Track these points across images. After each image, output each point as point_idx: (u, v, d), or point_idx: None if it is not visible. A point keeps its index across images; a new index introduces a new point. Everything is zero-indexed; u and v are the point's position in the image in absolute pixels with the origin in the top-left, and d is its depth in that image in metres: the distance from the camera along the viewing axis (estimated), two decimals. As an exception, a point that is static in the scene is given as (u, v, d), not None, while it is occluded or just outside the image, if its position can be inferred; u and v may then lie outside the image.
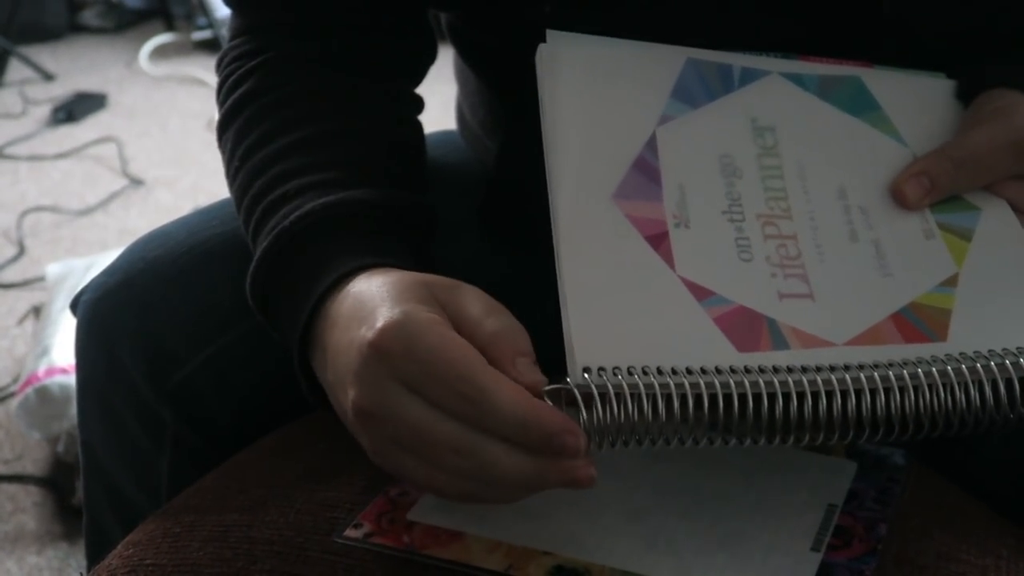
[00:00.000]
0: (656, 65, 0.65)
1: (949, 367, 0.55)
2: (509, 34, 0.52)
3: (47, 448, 1.62)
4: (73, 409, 0.82)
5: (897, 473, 0.63)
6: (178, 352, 0.74)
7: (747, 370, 0.54)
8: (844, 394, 0.54)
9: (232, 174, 0.71)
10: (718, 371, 0.54)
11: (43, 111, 2.89)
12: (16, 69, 3.08)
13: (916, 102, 0.68)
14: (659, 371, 0.54)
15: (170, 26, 3.44)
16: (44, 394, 1.53)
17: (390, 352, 0.53)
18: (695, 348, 0.55)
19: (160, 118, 2.86)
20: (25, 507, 1.54)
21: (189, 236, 0.76)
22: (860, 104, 0.66)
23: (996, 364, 0.55)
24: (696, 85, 0.65)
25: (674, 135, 0.63)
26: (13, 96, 2.98)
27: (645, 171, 0.61)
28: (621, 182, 0.61)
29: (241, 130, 0.71)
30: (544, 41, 0.63)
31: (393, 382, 0.53)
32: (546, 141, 0.60)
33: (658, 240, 0.59)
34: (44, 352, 1.59)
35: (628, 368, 0.54)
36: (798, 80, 0.66)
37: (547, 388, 0.54)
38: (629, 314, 0.56)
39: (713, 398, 0.53)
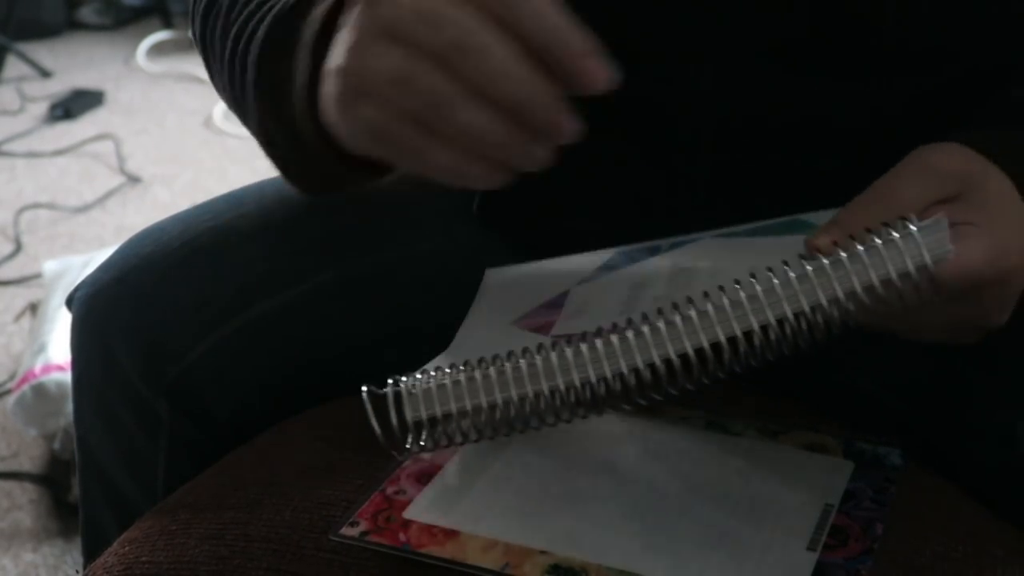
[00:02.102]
0: (586, 257, 0.68)
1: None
2: None
3: (43, 445, 1.61)
4: (69, 406, 0.82)
5: (894, 473, 0.63)
6: (174, 347, 0.74)
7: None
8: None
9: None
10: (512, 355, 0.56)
11: (40, 108, 2.89)
12: (13, 66, 3.07)
13: None
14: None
15: (168, 23, 3.43)
16: (40, 391, 1.53)
17: None
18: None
19: (158, 115, 2.86)
20: (21, 504, 1.54)
21: (184, 231, 0.76)
22: (791, 229, 0.63)
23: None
24: (622, 260, 0.67)
25: (583, 289, 0.66)
26: (10, 93, 2.97)
27: (550, 307, 0.65)
28: (525, 312, 0.65)
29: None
30: None
31: None
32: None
33: (542, 329, 0.62)
34: (41, 349, 1.59)
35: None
36: (727, 235, 0.66)
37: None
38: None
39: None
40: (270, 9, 0.65)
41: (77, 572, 0.94)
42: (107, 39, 3.46)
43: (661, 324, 0.54)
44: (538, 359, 0.55)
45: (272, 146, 0.68)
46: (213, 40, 0.70)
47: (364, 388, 0.57)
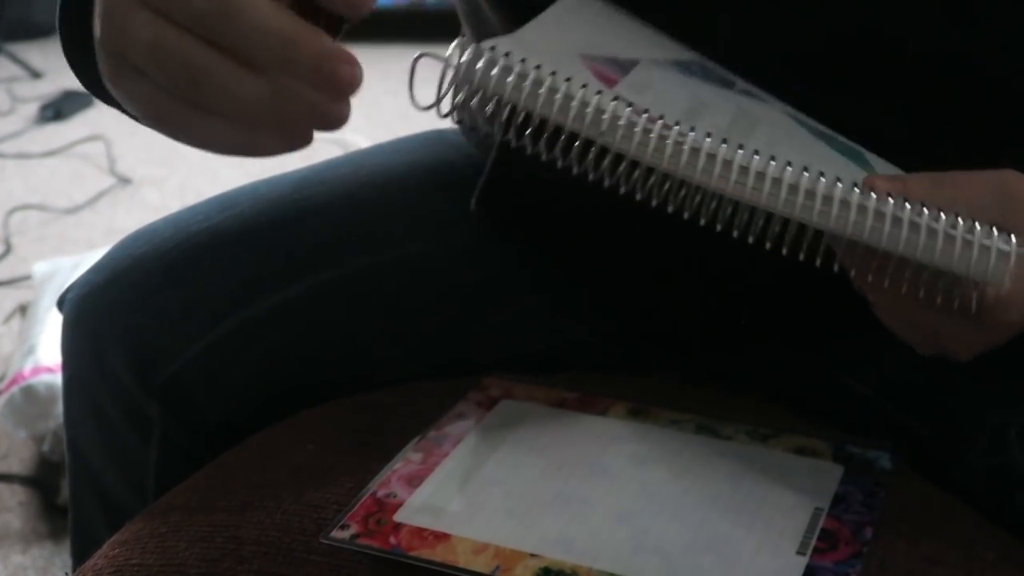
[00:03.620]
0: (672, 41, 0.64)
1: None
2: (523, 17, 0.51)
3: (33, 447, 1.61)
4: (59, 408, 0.82)
5: (884, 477, 0.63)
6: (165, 349, 0.73)
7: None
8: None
9: None
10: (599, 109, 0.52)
11: (31, 109, 2.89)
12: (4, 67, 3.07)
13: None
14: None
15: (159, 25, 3.43)
16: (30, 393, 1.52)
17: None
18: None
19: (149, 117, 2.86)
20: (10, 506, 1.54)
21: (176, 233, 0.76)
22: (849, 154, 0.62)
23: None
24: (698, 70, 0.63)
25: (654, 71, 0.61)
26: (1, 94, 2.97)
27: (617, 64, 0.59)
28: (593, 55, 0.59)
29: None
30: None
31: None
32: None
33: (606, 81, 0.56)
34: (30, 351, 1.59)
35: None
36: (796, 118, 0.63)
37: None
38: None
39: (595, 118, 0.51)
40: None
41: (67, 575, 0.94)
42: (98, 40, 3.45)
43: (720, 152, 0.52)
44: (624, 113, 0.51)
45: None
46: None
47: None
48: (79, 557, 0.81)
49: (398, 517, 0.60)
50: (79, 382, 0.77)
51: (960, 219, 0.53)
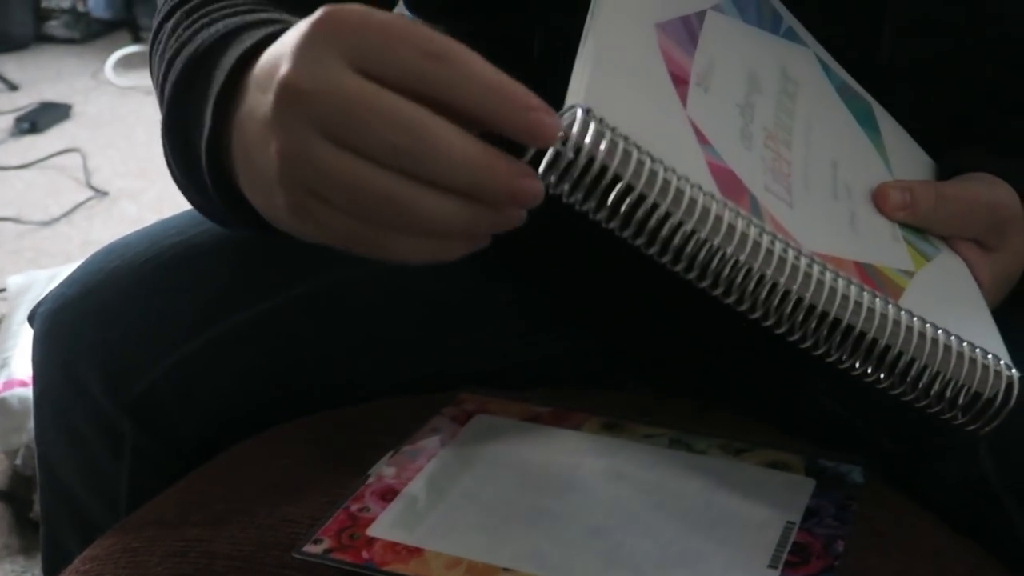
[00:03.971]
0: None
1: (903, 311, 0.55)
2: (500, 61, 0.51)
3: (5, 461, 1.60)
4: (31, 422, 0.81)
5: (855, 491, 0.63)
6: (137, 364, 0.73)
7: (727, 207, 0.53)
8: (798, 273, 0.53)
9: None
10: (703, 191, 0.52)
11: (7, 121, 2.87)
12: (-20, 79, 3.06)
13: (907, 149, 0.70)
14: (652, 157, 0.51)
15: (136, 37, 3.42)
16: (3, 407, 1.51)
17: (336, 32, 0.48)
18: (685, 169, 0.52)
19: (126, 129, 2.84)
20: (-17, 520, 1.52)
21: (150, 247, 0.76)
22: (866, 121, 0.68)
23: (943, 334, 0.55)
24: (751, 5, 0.66)
25: (720, 25, 0.63)
26: (-24, 106, 2.96)
27: (688, 29, 0.61)
28: (668, 20, 0.60)
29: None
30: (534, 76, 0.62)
31: (336, 67, 0.48)
32: None
33: (678, 81, 0.58)
34: (3, 364, 1.58)
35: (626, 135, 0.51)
36: (826, 69, 0.68)
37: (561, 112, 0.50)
38: (635, 110, 0.54)
39: (692, 202, 0.51)
40: (193, 39, 0.61)
41: (39, 589, 0.93)
42: (75, 52, 3.44)
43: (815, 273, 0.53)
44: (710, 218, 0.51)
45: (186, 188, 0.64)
46: (153, 66, 0.68)
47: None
48: (51, 572, 0.80)
49: (371, 532, 0.60)
50: (50, 397, 0.77)
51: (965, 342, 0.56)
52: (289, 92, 0.48)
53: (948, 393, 0.55)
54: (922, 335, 0.55)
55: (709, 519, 0.60)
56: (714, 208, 0.51)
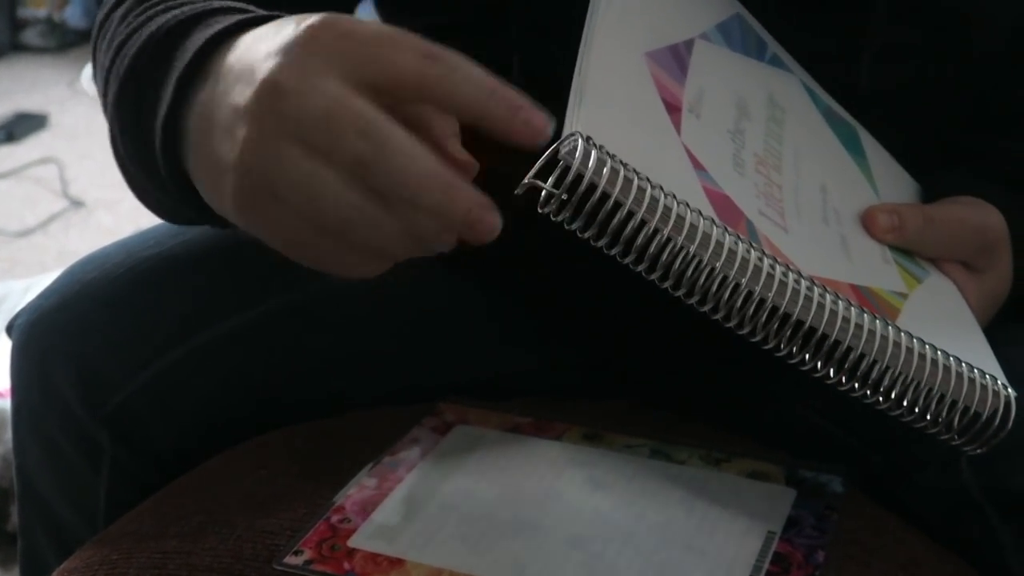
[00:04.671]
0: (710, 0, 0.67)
1: (902, 332, 0.55)
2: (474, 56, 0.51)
3: (-19, 473, 1.59)
4: (8, 434, 0.81)
5: (835, 500, 0.63)
6: (115, 376, 0.73)
7: (727, 232, 0.53)
8: (799, 296, 0.53)
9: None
10: (703, 216, 0.52)
11: (-18, 131, 2.86)
12: (-45, 88, 3.04)
13: (892, 172, 0.71)
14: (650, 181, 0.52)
15: (113, 47, 3.41)
16: (-21, 418, 1.50)
17: (332, 39, 0.48)
18: (684, 195, 0.53)
19: (102, 139, 2.79)
20: (-42, 533, 1.51)
21: (126, 258, 0.76)
22: (851, 145, 0.69)
23: (942, 355, 0.56)
24: (736, 34, 0.67)
25: (708, 53, 0.64)
26: (-49, 116, 2.94)
27: (677, 58, 0.62)
28: (657, 49, 0.61)
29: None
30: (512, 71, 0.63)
31: (328, 76, 0.48)
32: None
33: (671, 108, 0.58)
34: (-21, 375, 1.57)
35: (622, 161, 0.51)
36: (811, 94, 0.69)
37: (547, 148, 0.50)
38: (632, 138, 0.54)
39: (693, 228, 0.51)
40: (148, 23, 0.60)
41: (15, 603, 0.92)
42: (51, 62, 3.43)
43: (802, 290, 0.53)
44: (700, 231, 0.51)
45: (128, 173, 0.64)
46: (98, 53, 0.67)
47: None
48: (28, 585, 0.80)
49: (352, 543, 0.59)
50: (28, 409, 0.76)
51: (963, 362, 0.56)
52: (273, 88, 0.48)
53: (946, 414, 0.55)
54: (922, 356, 0.55)
55: (690, 530, 0.60)
56: (715, 233, 0.52)
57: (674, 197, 0.51)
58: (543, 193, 0.50)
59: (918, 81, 0.71)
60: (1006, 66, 0.74)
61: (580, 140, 0.50)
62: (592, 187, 0.49)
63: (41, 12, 3.52)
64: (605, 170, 0.49)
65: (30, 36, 3.52)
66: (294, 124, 0.48)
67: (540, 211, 0.50)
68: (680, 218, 0.51)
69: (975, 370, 0.56)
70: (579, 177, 0.49)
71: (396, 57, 0.48)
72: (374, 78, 0.48)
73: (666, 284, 0.52)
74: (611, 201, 0.50)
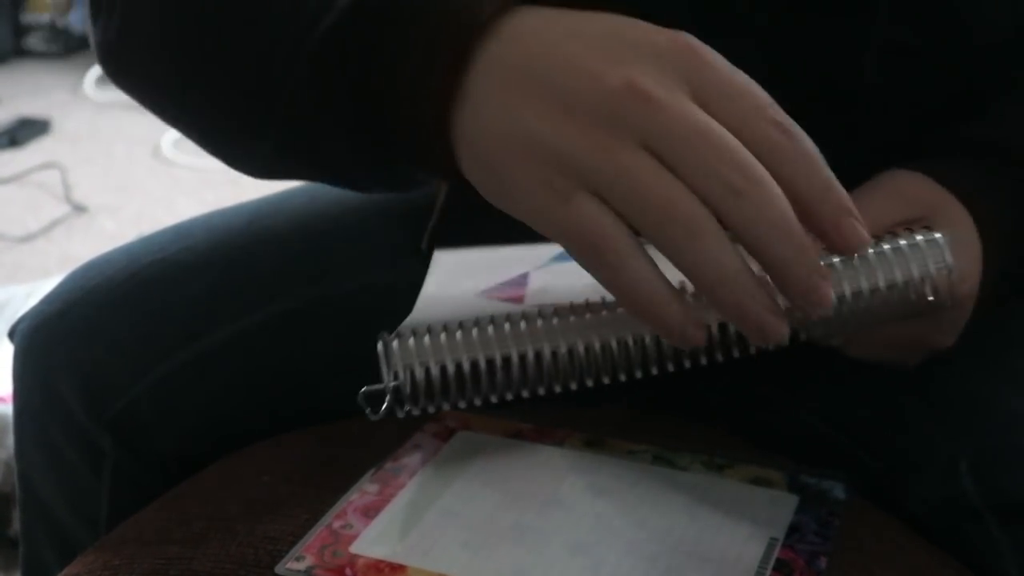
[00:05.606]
0: (538, 248, 0.67)
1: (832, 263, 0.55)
2: None
3: (-16, 478, 1.59)
4: (10, 439, 0.81)
5: (838, 507, 0.63)
6: (118, 381, 0.73)
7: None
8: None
9: None
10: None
11: (-15, 136, 2.86)
12: (-42, 93, 3.05)
13: None
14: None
15: (116, 52, 3.42)
16: (-19, 423, 1.51)
17: (692, 58, 0.46)
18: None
19: (105, 145, 2.84)
20: (-40, 538, 1.51)
21: (129, 263, 0.76)
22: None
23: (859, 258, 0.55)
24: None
25: (545, 271, 0.67)
26: (-45, 121, 2.95)
27: (513, 284, 0.66)
28: (490, 287, 0.66)
29: None
30: None
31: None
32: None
33: (513, 300, 0.63)
34: (-18, 380, 1.57)
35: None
36: None
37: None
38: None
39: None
40: None
41: (17, 608, 0.92)
42: (54, 67, 3.44)
43: None
44: (539, 321, 0.56)
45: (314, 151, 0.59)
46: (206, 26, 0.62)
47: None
48: (30, 590, 0.80)
49: (354, 549, 0.59)
50: (30, 413, 0.76)
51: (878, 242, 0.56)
52: (638, 93, 0.46)
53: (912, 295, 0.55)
54: (853, 266, 0.54)
55: (692, 536, 0.60)
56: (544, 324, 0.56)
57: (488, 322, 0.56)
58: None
59: (920, 80, 0.71)
60: (1007, 66, 0.73)
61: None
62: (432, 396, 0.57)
63: (44, 17, 3.53)
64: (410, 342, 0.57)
65: (33, 41, 3.53)
66: (652, 135, 0.45)
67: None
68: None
69: (895, 240, 0.56)
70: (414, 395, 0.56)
71: (745, 107, 0.46)
72: (722, 115, 0.46)
73: (565, 385, 0.58)
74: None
